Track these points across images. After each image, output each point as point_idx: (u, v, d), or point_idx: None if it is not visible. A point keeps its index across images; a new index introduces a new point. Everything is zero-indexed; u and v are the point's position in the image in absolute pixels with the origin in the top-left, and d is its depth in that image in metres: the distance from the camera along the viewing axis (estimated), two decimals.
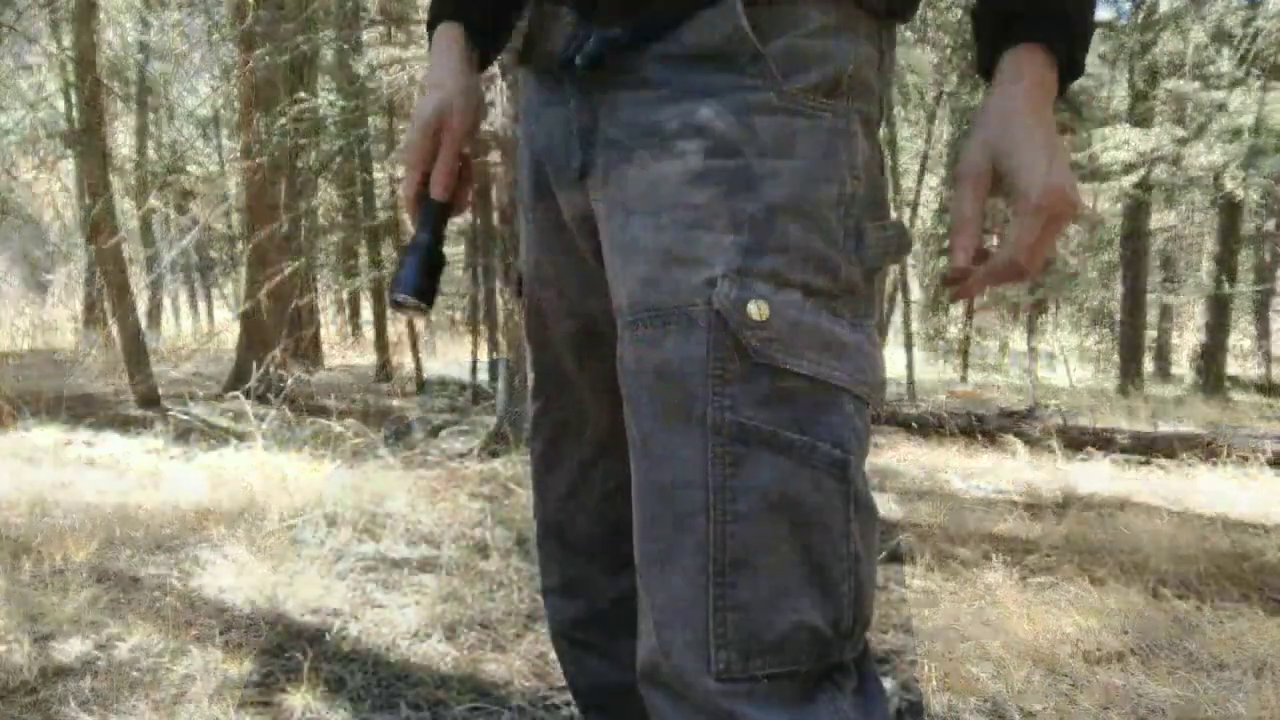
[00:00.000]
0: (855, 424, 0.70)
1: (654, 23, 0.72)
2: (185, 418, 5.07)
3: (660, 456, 0.71)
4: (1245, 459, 4.61)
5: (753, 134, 0.70)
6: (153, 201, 9.82)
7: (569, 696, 1.83)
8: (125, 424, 5.58)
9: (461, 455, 4.62)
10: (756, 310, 0.67)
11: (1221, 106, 7.02)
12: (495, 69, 4.60)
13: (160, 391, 6.39)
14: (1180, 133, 7.85)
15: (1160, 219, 12.11)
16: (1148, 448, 5.00)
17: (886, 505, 3.87)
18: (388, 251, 10.90)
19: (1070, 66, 0.73)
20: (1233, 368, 11.08)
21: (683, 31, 0.71)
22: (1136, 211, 10.22)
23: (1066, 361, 10.69)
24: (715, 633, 0.67)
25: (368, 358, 10.72)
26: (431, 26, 0.91)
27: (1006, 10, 0.73)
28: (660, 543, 0.71)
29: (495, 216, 7.63)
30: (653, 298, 0.71)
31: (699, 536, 0.68)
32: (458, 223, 12.10)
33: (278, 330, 5.99)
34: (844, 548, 0.69)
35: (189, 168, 12.26)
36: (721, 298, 0.68)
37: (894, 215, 0.76)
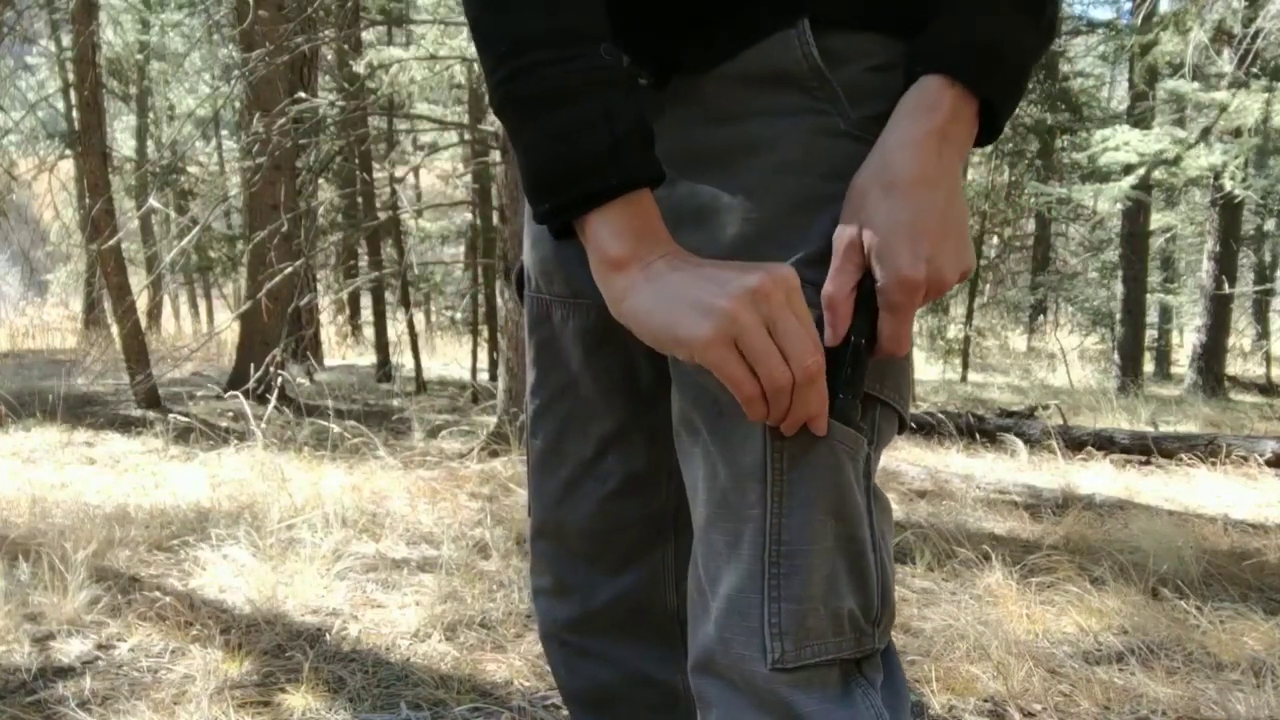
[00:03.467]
0: (880, 427, 0.74)
1: (723, 45, 0.73)
2: (185, 418, 5.07)
3: (723, 452, 0.73)
4: (1245, 459, 4.61)
5: (819, 155, 0.71)
6: (153, 201, 9.81)
7: None
8: (125, 424, 5.58)
9: (461, 455, 4.62)
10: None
11: (1224, 108, 7.01)
12: None
13: (160, 391, 6.39)
14: (1180, 133, 7.84)
15: (1160, 219, 12.10)
16: (1148, 448, 5.00)
17: None
18: (388, 251, 10.92)
19: (990, 124, 0.71)
20: (1233, 368, 11.07)
21: (750, 54, 0.73)
22: (1136, 211, 10.22)
23: (1066, 361, 10.68)
24: (770, 623, 0.70)
25: (368, 358, 10.73)
26: (629, 185, 0.66)
27: (941, 32, 0.70)
28: (725, 535, 0.73)
29: (495, 216, 7.64)
30: None
31: (756, 528, 0.71)
32: (457, 222, 12.11)
33: (278, 330, 5.98)
34: (870, 537, 0.72)
35: (189, 168, 12.26)
36: None
37: None
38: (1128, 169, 8.03)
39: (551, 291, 0.90)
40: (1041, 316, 15.84)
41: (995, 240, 14.69)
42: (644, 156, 0.67)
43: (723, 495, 0.73)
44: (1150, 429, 5.76)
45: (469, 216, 10.02)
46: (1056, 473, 4.41)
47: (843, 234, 0.69)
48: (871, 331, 0.69)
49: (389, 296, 10.01)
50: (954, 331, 12.08)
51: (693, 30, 0.75)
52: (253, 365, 5.59)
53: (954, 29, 0.70)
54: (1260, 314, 12.97)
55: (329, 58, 9.53)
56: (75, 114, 8.12)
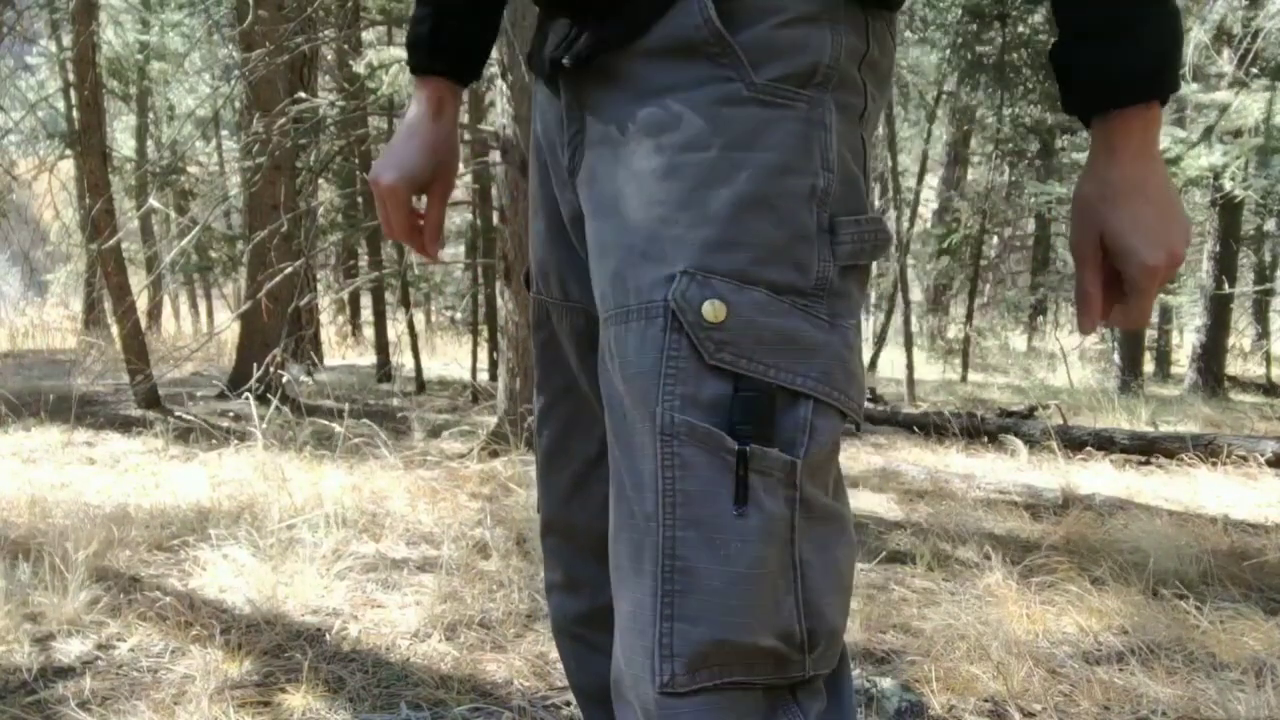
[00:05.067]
0: (813, 425, 0.68)
1: (635, 19, 0.71)
2: (185, 418, 5.06)
3: (625, 458, 0.71)
4: (1245, 459, 4.61)
5: (722, 127, 0.68)
6: (153, 201, 9.80)
7: (569, 696, 1.83)
8: (125, 424, 5.58)
9: (461, 455, 4.62)
10: (712, 311, 0.66)
11: (1225, 108, 7.00)
12: (495, 69, 4.60)
13: (160, 391, 6.39)
14: (1180, 133, 7.84)
15: None
16: (1148, 448, 5.00)
17: (887, 505, 3.87)
18: (388, 251, 10.91)
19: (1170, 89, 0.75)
20: (1233, 368, 11.06)
21: (659, 26, 0.70)
22: None
23: (1066, 361, 10.68)
24: (661, 644, 0.66)
25: (368, 358, 10.72)
26: (416, 71, 0.97)
27: (1097, 66, 0.72)
28: (628, 546, 0.70)
29: (495, 216, 7.63)
30: (620, 295, 0.71)
31: (653, 542, 0.67)
32: (457, 222, 12.10)
33: (278, 330, 5.98)
34: (788, 556, 0.67)
35: (189, 168, 12.25)
36: (677, 296, 0.66)
37: (874, 211, 0.74)
38: None
39: (548, 293, 0.91)
40: (1041, 316, 15.83)
41: (995, 240, 14.68)
42: (434, 54, 0.96)
43: (627, 505, 0.70)
44: (1150, 429, 5.76)
45: (469, 216, 10.01)
46: (1056, 473, 4.41)
47: (1081, 246, 0.76)
48: (760, 433, 0.66)
49: (389, 296, 10.00)
50: (954, 331, 12.08)
51: (607, 7, 0.73)
52: (253, 365, 5.59)
53: (1105, 57, 0.71)
54: (1260, 314, 12.95)
55: (329, 58, 9.52)
56: (75, 114, 8.12)
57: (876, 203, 13.68)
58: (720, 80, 0.69)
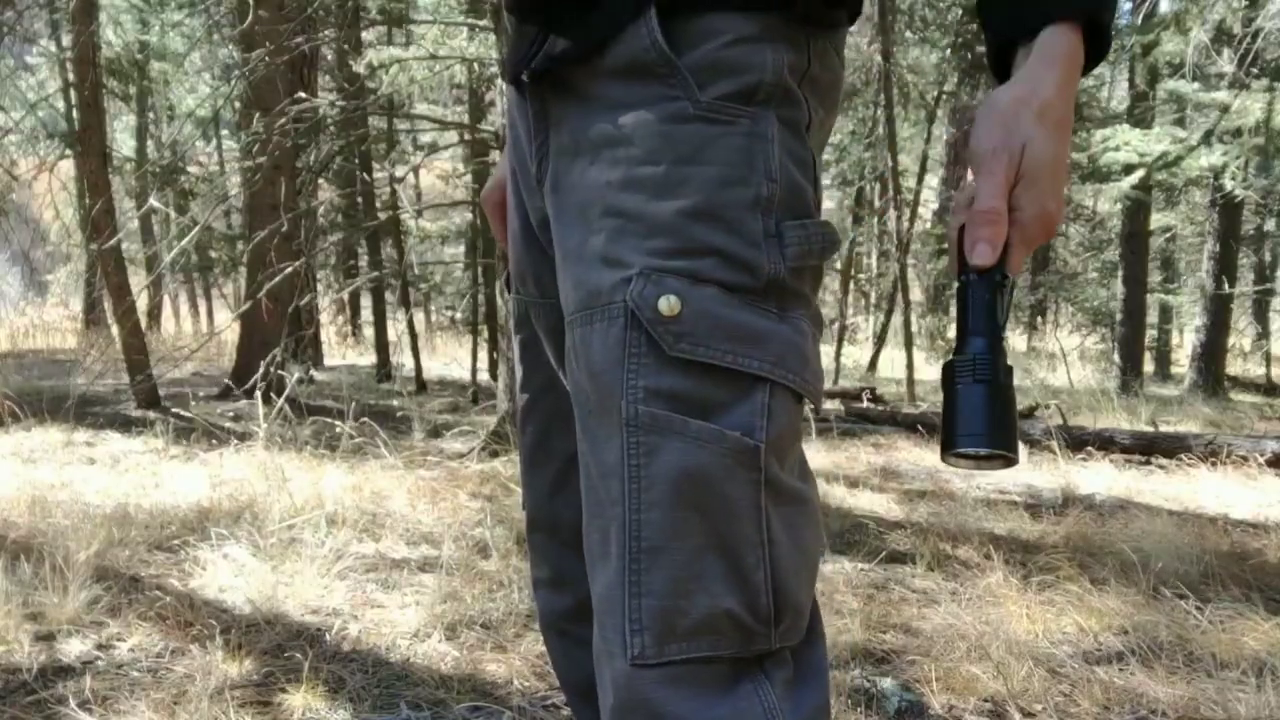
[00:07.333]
0: (772, 410, 0.72)
1: (590, 39, 0.76)
2: (185, 418, 5.06)
3: (593, 449, 0.75)
4: (1245, 459, 4.61)
5: (670, 143, 0.73)
6: (153, 201, 9.81)
7: None
8: (125, 424, 5.58)
9: (461, 455, 4.62)
10: (667, 306, 0.70)
11: (1225, 109, 7.01)
12: (495, 69, 4.60)
13: (160, 391, 6.39)
14: (1181, 133, 7.85)
15: (1160, 219, 12.09)
16: (1148, 448, 5.00)
17: (887, 505, 3.87)
18: (388, 251, 10.91)
19: (1096, 35, 0.73)
20: (1233, 368, 11.06)
21: (613, 48, 0.75)
22: (1136, 211, 10.21)
23: (1066, 361, 10.68)
24: (631, 619, 0.71)
25: (368, 358, 10.73)
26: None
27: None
28: (597, 533, 0.75)
29: None
30: (583, 298, 0.75)
31: (619, 525, 0.72)
32: (457, 222, 12.10)
33: (278, 330, 5.98)
34: (756, 534, 0.71)
35: (189, 168, 12.25)
36: (634, 295, 0.71)
37: (819, 215, 0.78)
38: (1128, 169, 8.03)
39: (527, 292, 0.94)
40: (1041, 316, 15.83)
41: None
42: None
43: (595, 493, 0.75)
44: (1150, 429, 5.76)
45: (469, 216, 10.02)
46: (1057, 473, 4.41)
47: (997, 147, 0.71)
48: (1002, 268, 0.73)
49: (389, 296, 10.01)
50: (954, 331, 12.03)
51: (562, 27, 0.78)
52: (253, 365, 5.58)
53: None
54: (1260, 314, 12.95)
55: (329, 58, 9.52)
56: (75, 114, 8.12)
57: (876, 202, 13.68)
58: (669, 99, 0.74)
